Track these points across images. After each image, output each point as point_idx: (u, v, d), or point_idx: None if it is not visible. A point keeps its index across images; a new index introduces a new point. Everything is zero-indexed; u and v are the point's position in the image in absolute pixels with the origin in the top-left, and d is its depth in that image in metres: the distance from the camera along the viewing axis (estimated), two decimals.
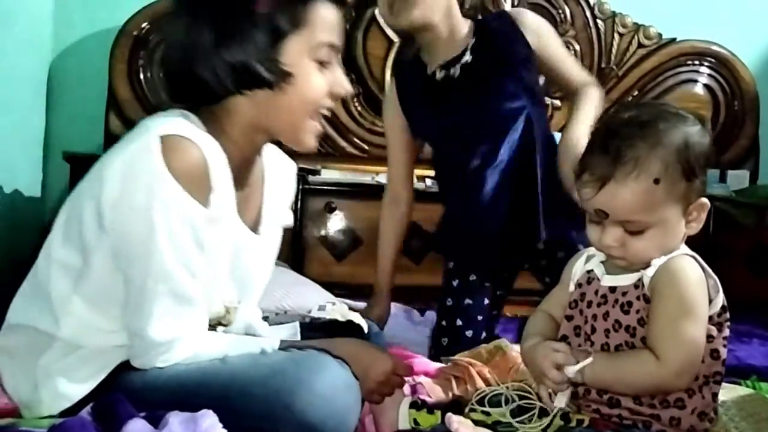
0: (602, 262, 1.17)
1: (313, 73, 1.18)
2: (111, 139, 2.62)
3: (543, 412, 1.14)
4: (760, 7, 2.92)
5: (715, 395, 1.12)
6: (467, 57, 1.74)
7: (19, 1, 2.46)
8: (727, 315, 1.13)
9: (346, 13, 2.63)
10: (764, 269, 2.45)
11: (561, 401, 1.11)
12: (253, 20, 1.14)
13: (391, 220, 1.87)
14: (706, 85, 2.86)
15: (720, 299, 1.11)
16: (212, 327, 1.25)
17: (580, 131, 1.62)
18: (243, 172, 1.23)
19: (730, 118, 2.85)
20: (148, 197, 1.07)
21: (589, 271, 1.18)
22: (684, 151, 1.08)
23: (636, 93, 2.83)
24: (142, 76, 2.64)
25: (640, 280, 1.10)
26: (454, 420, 1.12)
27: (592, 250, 1.18)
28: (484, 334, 1.75)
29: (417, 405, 1.21)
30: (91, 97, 2.68)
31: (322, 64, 1.19)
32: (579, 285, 1.18)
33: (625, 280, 1.12)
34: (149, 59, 2.65)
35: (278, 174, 1.35)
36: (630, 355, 1.09)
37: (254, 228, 1.27)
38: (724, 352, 1.13)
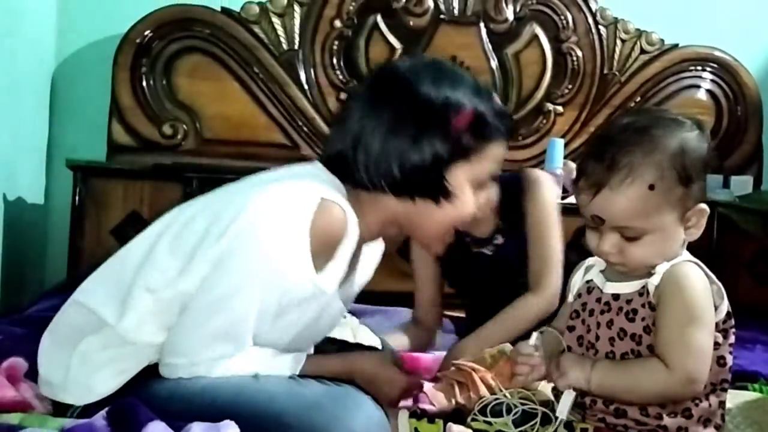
0: (601, 271, 1.17)
1: (470, 197, 1.27)
2: (114, 147, 2.63)
3: (545, 421, 1.13)
4: (762, 13, 2.91)
5: (722, 403, 1.12)
6: (499, 239, 1.71)
7: (22, 9, 2.47)
8: (732, 321, 1.12)
9: (349, 22, 2.65)
10: (767, 276, 2.44)
11: (564, 411, 1.10)
12: (446, 138, 1.22)
13: (416, 340, 1.78)
14: (708, 91, 2.85)
15: (725, 306, 1.11)
16: None
17: (468, 346, 1.55)
18: (358, 251, 1.30)
19: (733, 123, 2.85)
20: (273, 240, 1.15)
21: (588, 281, 1.17)
22: (679, 156, 1.07)
23: (638, 99, 2.82)
24: (144, 84, 2.64)
25: (644, 287, 1.09)
26: (455, 430, 1.12)
27: (591, 260, 1.18)
28: None
29: (417, 414, 1.20)
30: (93, 104, 2.68)
31: (479, 185, 1.28)
32: (579, 295, 1.18)
33: (629, 287, 1.11)
34: (152, 67, 2.65)
35: (372, 250, 1.39)
36: (637, 363, 1.08)
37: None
38: (730, 359, 1.12)
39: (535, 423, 1.13)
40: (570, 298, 1.19)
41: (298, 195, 1.18)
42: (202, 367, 1.17)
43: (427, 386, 1.38)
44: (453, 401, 1.35)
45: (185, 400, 1.14)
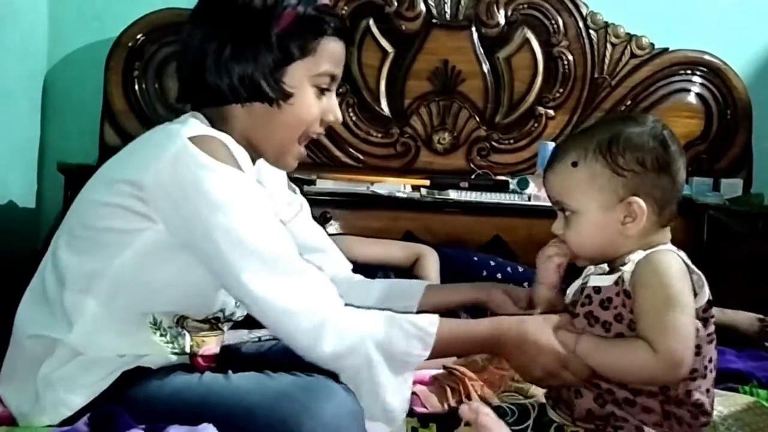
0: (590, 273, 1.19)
1: (311, 97, 1.26)
2: (106, 151, 2.61)
3: (538, 427, 1.15)
4: (751, 16, 2.94)
5: (689, 392, 1.11)
6: None
7: (13, 12, 2.46)
8: (713, 312, 1.14)
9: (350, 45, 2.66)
10: (759, 277, 2.46)
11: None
12: (268, 41, 1.22)
13: None
14: (698, 95, 2.87)
15: (705, 294, 1.12)
16: (213, 321, 1.26)
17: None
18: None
19: (723, 126, 2.87)
20: (202, 183, 1.12)
21: (582, 284, 1.20)
22: (606, 141, 1.14)
23: (629, 103, 2.84)
24: (137, 88, 2.64)
25: (620, 277, 1.12)
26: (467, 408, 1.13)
27: (589, 268, 1.21)
28: None
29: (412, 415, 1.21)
30: (86, 108, 2.68)
31: (321, 91, 1.27)
32: (572, 295, 1.21)
33: (608, 280, 1.15)
34: (144, 70, 2.65)
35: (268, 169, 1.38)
36: (626, 341, 1.11)
37: None
38: (708, 350, 1.13)
39: (528, 425, 1.14)
40: (567, 299, 1.22)
41: (175, 151, 1.14)
42: (323, 331, 1.12)
43: (421, 389, 1.39)
44: (445, 404, 1.36)
45: (160, 403, 1.13)
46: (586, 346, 1.12)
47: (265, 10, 1.22)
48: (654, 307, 1.08)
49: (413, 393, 1.36)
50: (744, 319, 2.11)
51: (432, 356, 1.16)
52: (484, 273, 2.27)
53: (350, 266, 1.51)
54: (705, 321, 1.12)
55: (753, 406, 1.35)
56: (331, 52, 1.26)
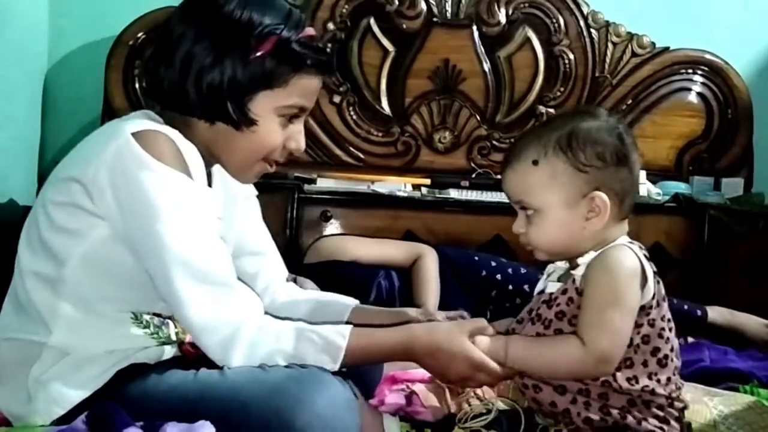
0: (547, 277, 1.21)
1: (274, 127, 1.23)
2: None
3: (529, 429, 1.16)
4: (753, 16, 2.93)
5: (630, 380, 1.13)
6: None
7: (13, 11, 2.46)
8: (665, 307, 1.16)
9: (342, 25, 2.66)
10: (759, 277, 2.45)
11: None
12: (244, 61, 1.18)
13: None
14: (699, 94, 2.87)
15: (651, 289, 1.13)
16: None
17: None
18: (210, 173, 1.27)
19: (724, 126, 2.86)
20: (141, 183, 1.10)
21: (540, 290, 1.22)
22: (565, 137, 1.14)
23: (630, 102, 2.84)
24: (137, 86, 2.64)
25: (571, 279, 1.13)
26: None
27: (550, 267, 1.22)
28: None
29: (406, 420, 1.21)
30: (86, 107, 2.68)
31: (288, 119, 1.24)
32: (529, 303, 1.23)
33: (557, 285, 1.16)
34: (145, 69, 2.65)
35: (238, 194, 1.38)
36: (553, 338, 1.14)
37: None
38: (660, 342, 1.14)
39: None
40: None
41: (116, 148, 1.12)
42: (235, 339, 1.13)
43: (420, 388, 1.39)
44: (444, 405, 1.36)
45: (156, 400, 1.13)
46: (514, 351, 1.14)
47: (248, 28, 1.18)
48: (595, 304, 1.10)
49: (413, 392, 1.36)
50: (753, 324, 2.11)
51: (344, 366, 1.17)
52: (483, 273, 2.27)
53: (286, 273, 1.49)
54: (649, 315, 1.13)
55: (754, 406, 1.35)
56: (304, 86, 1.23)
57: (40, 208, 1.21)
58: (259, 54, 1.18)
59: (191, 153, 1.17)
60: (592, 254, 1.13)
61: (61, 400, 1.14)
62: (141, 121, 1.17)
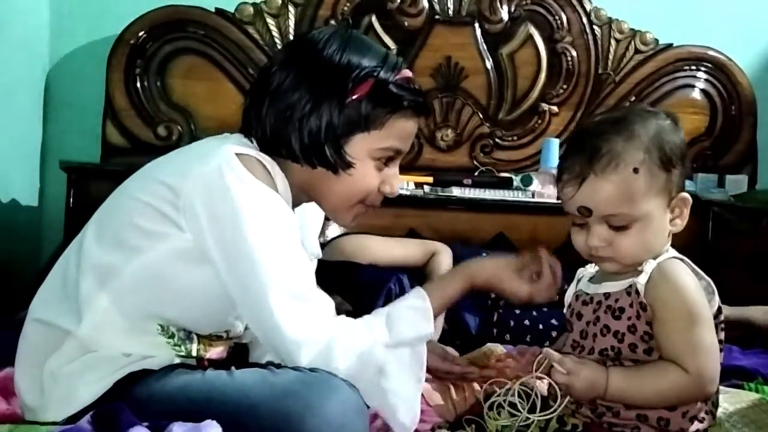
0: (590, 280, 1.18)
1: (370, 170, 1.25)
2: (108, 149, 2.62)
3: (545, 406, 1.13)
4: (756, 12, 2.92)
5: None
6: None
7: (15, 10, 2.46)
8: (722, 317, 1.13)
9: (344, 22, 2.65)
10: (763, 274, 2.45)
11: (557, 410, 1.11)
12: (342, 106, 1.19)
13: None
14: (703, 90, 2.86)
15: (716, 301, 1.11)
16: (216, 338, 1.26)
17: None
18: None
19: (728, 122, 2.85)
20: (238, 196, 1.12)
21: (577, 291, 1.19)
22: (659, 140, 1.09)
23: (633, 99, 2.83)
24: (139, 85, 2.64)
25: (631, 286, 1.09)
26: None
27: (580, 272, 1.19)
28: None
29: None
30: (88, 106, 2.67)
31: (384, 162, 1.26)
32: (570, 305, 1.20)
33: (618, 286, 1.12)
34: (146, 68, 2.64)
35: (309, 207, 1.37)
36: (653, 368, 1.08)
37: None
38: (719, 354, 1.12)
39: (547, 411, 1.12)
40: (565, 310, 1.21)
41: (218, 162, 1.14)
42: (332, 350, 1.14)
43: (425, 386, 1.38)
44: (449, 403, 1.36)
45: (163, 401, 1.13)
46: (615, 383, 1.08)
47: (346, 71, 1.20)
48: (678, 327, 1.06)
49: None
50: (756, 312, 2.08)
51: None
52: None
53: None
54: (716, 328, 1.11)
55: (758, 403, 1.35)
56: (400, 129, 1.25)
57: (120, 199, 1.22)
58: (355, 97, 1.20)
59: (281, 181, 1.20)
60: (653, 263, 1.09)
61: (73, 399, 1.14)
62: (241, 144, 1.21)
